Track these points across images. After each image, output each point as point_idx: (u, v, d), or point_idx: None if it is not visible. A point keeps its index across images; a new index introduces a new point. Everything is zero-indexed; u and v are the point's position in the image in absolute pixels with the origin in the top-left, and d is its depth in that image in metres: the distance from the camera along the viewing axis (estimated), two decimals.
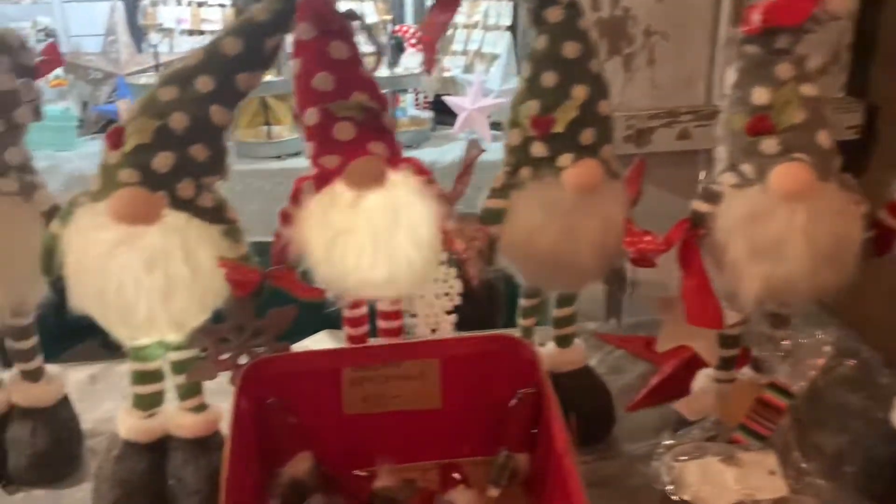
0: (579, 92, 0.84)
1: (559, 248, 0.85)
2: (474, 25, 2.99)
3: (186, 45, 2.86)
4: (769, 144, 0.82)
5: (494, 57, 2.92)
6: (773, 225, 0.80)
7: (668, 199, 1.30)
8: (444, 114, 2.70)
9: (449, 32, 3.04)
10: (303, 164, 2.60)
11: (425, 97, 2.82)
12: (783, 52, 0.82)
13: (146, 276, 0.76)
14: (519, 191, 0.88)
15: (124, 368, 1.18)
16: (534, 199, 0.86)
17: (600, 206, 0.86)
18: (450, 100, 2.69)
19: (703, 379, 0.96)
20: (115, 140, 0.78)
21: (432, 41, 0.87)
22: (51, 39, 2.50)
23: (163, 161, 0.77)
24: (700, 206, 0.87)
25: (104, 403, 1.11)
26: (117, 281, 0.76)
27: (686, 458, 0.79)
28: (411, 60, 2.74)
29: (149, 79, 2.56)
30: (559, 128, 0.84)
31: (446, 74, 2.99)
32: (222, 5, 2.98)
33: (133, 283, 0.76)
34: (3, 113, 0.85)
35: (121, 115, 2.45)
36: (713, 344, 0.91)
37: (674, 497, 0.77)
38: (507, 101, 2.79)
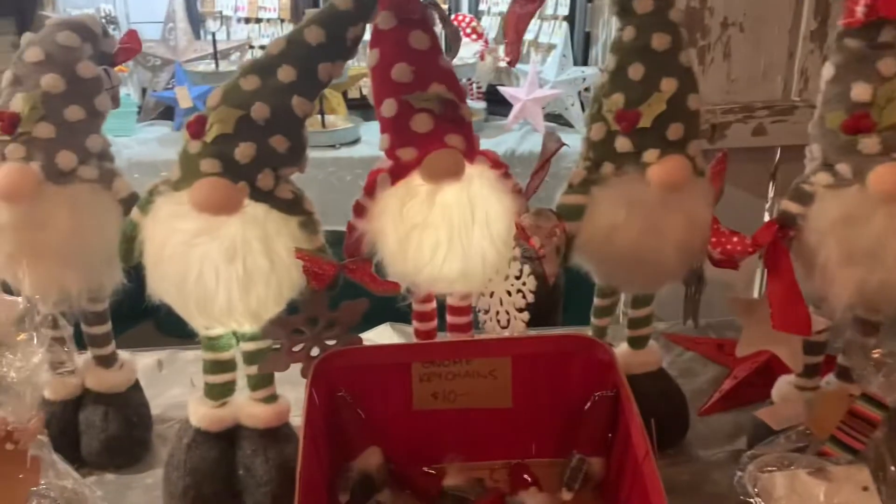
0: (668, 85, 0.81)
1: (641, 247, 0.83)
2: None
3: (243, 33, 2.89)
4: (869, 143, 0.78)
5: (551, 47, 2.87)
6: (871, 228, 0.77)
7: (740, 196, 1.26)
8: (497, 104, 2.67)
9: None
10: (357, 153, 2.61)
11: (479, 87, 2.79)
12: (887, 46, 0.78)
13: (226, 267, 0.76)
14: (600, 187, 0.85)
15: (191, 355, 1.21)
16: (616, 195, 0.84)
17: (685, 204, 0.83)
18: (504, 90, 2.66)
19: (784, 386, 0.92)
20: (197, 129, 0.78)
21: (517, 32, 0.84)
22: (111, 27, 2.55)
23: (244, 151, 0.77)
24: (790, 206, 0.84)
25: (172, 389, 1.12)
26: (197, 270, 0.76)
27: (773, 469, 0.76)
28: (465, 50, 2.71)
29: (206, 66, 2.59)
30: (645, 122, 0.82)
31: (501, 64, 2.96)
32: None
33: (213, 272, 0.76)
34: (85, 101, 0.85)
35: (178, 102, 2.49)
36: (798, 350, 0.87)
37: None
38: (562, 93, 2.76)
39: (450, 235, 0.81)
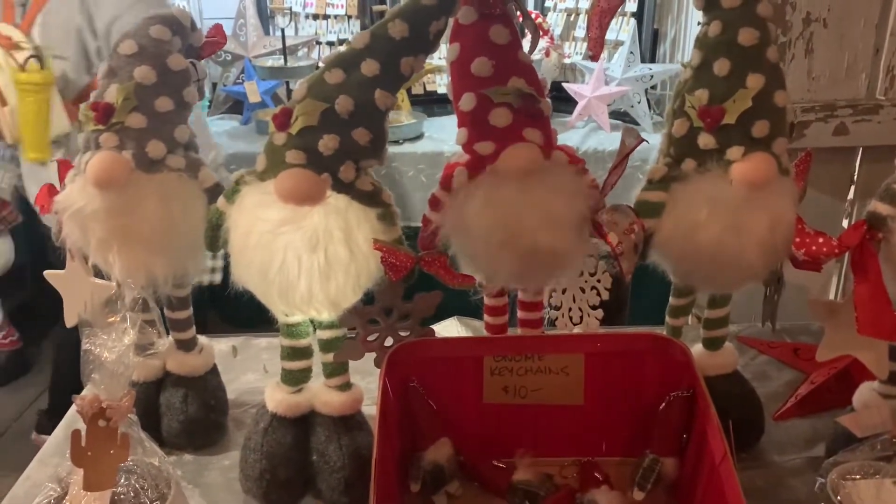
0: (754, 81, 0.80)
1: (723, 246, 0.81)
2: None
3: (311, 29, 2.93)
4: None
5: (618, 44, 2.84)
6: None
7: (818, 198, 1.22)
8: (561, 101, 2.64)
9: (571, 17, 2.98)
10: (420, 148, 2.63)
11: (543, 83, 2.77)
12: None
13: (308, 256, 0.78)
14: (681, 183, 0.84)
15: (264, 342, 1.24)
16: (698, 192, 0.82)
17: (769, 203, 0.81)
18: (569, 87, 2.64)
19: (867, 393, 0.89)
20: (283, 121, 0.80)
21: (601, 27, 0.84)
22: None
23: (328, 143, 0.78)
24: (880, 207, 0.81)
25: (246, 375, 1.15)
26: (281, 259, 0.78)
27: (857, 477, 0.74)
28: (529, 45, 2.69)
29: (275, 61, 2.64)
30: (730, 119, 0.80)
31: (566, 60, 2.94)
32: None
33: (296, 261, 0.78)
34: (175, 92, 0.88)
35: (248, 96, 2.54)
36: (883, 356, 0.85)
37: None
38: (629, 90, 2.72)
39: (521, 229, 0.81)
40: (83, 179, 0.85)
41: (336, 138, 0.79)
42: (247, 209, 0.80)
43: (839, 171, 1.35)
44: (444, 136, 2.60)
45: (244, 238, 0.80)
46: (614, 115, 2.77)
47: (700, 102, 0.82)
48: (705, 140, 0.82)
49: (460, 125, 0.86)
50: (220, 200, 0.85)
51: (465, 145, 0.86)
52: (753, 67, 0.80)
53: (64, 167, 0.91)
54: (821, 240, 0.80)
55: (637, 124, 2.74)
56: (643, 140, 0.89)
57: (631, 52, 2.71)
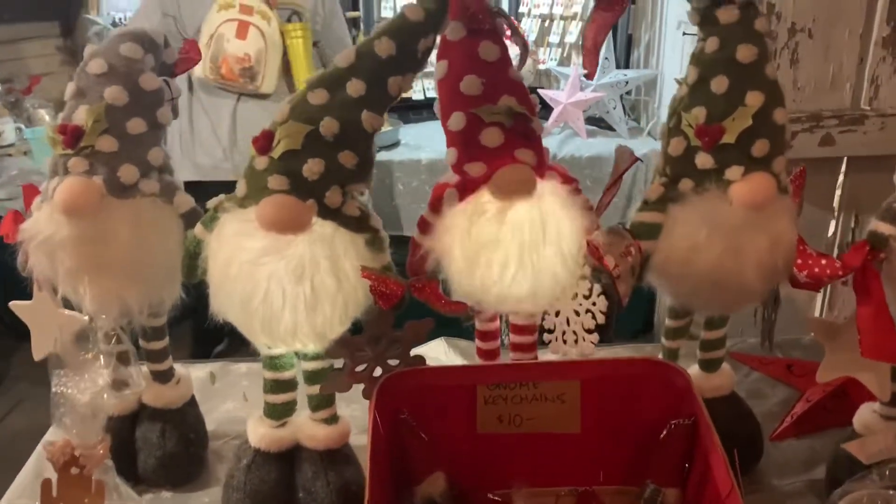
0: (754, 99, 0.77)
1: (722, 268, 0.79)
2: (572, 17, 2.90)
3: None
4: None
5: None
6: None
7: (805, 209, 1.20)
8: None
9: (545, 23, 2.96)
10: (396, 156, 2.62)
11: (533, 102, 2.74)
12: None
13: (293, 286, 0.74)
14: (678, 204, 0.82)
15: (243, 368, 1.19)
16: (696, 214, 0.80)
17: (769, 224, 0.79)
18: (545, 93, 2.62)
19: (868, 415, 0.88)
20: (264, 145, 0.76)
21: (595, 44, 0.81)
22: None
23: (313, 168, 0.74)
24: (881, 226, 0.79)
25: (225, 403, 1.10)
26: (264, 290, 0.74)
27: None
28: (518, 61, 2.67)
29: None
30: (730, 138, 0.78)
31: (541, 67, 2.92)
32: None
33: (280, 292, 0.74)
34: (148, 113, 0.84)
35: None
36: (886, 378, 0.83)
37: None
38: (604, 96, 2.70)
39: (520, 254, 0.78)
40: (50, 206, 0.80)
41: (321, 162, 0.75)
42: (227, 238, 0.76)
43: (825, 182, 1.34)
44: (420, 143, 2.56)
45: (224, 268, 0.76)
46: (590, 120, 2.76)
47: (697, 121, 0.79)
48: (703, 160, 0.79)
49: (449, 145, 0.83)
50: (198, 228, 0.81)
51: (455, 166, 0.82)
52: (752, 85, 0.78)
53: (29, 193, 0.86)
54: (823, 262, 0.78)
55: (613, 129, 2.73)
56: (637, 159, 0.87)
57: (606, 58, 2.70)
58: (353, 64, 0.77)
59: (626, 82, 2.70)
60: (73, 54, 3.19)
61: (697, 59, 0.81)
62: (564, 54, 2.94)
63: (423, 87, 2.85)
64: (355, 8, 2.92)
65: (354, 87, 0.76)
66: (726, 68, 0.78)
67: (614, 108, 2.72)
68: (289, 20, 2.04)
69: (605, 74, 2.69)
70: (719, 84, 0.78)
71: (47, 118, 2.84)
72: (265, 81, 2.00)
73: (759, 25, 0.78)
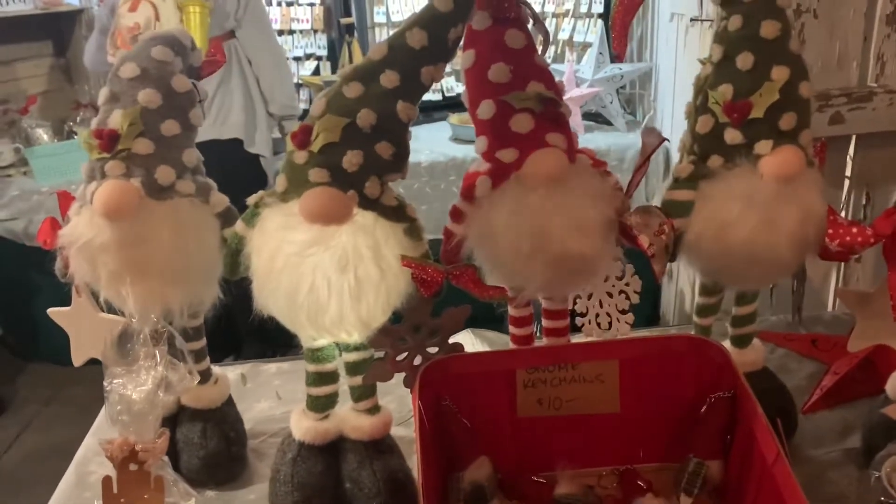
0: (780, 74, 0.79)
1: (756, 242, 0.80)
2: (565, 14, 2.93)
3: None
4: None
5: (586, 45, 2.85)
6: None
7: None
8: None
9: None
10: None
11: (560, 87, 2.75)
12: None
13: (338, 277, 0.74)
14: (709, 181, 0.83)
15: (273, 368, 1.20)
16: (728, 189, 0.81)
17: (799, 196, 0.80)
18: None
19: None
20: (303, 139, 0.77)
21: (623, 25, 0.82)
22: None
23: (352, 159, 0.75)
24: None
25: (259, 403, 1.11)
26: (310, 282, 0.74)
27: None
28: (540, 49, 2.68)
29: None
30: (758, 113, 0.79)
31: None
32: (311, 4, 3.00)
33: (325, 283, 0.74)
34: (181, 115, 0.85)
35: None
36: None
37: None
38: (600, 91, 2.72)
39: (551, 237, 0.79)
40: (90, 211, 0.81)
41: (360, 153, 0.76)
42: (270, 232, 0.77)
43: (835, 159, 1.36)
44: (417, 146, 2.57)
45: (269, 262, 0.76)
46: (587, 115, 2.78)
47: (724, 98, 0.81)
48: (732, 135, 0.81)
49: (479, 133, 0.84)
50: (239, 224, 0.82)
51: (486, 153, 0.84)
52: (777, 60, 0.79)
53: (65, 199, 0.86)
54: (854, 230, 0.80)
55: (610, 124, 2.75)
56: (665, 139, 0.88)
57: (600, 53, 2.72)
58: (386, 56, 0.78)
59: (622, 76, 2.73)
60: (68, 73, 3.19)
61: (721, 37, 0.82)
62: (559, 51, 2.96)
63: None
64: (348, 14, 2.93)
65: (389, 79, 0.77)
66: (751, 45, 0.80)
67: (611, 103, 2.74)
68: None
69: (600, 69, 2.71)
70: (745, 60, 0.80)
71: (45, 137, 2.84)
72: None
73: (782, 1, 0.80)
